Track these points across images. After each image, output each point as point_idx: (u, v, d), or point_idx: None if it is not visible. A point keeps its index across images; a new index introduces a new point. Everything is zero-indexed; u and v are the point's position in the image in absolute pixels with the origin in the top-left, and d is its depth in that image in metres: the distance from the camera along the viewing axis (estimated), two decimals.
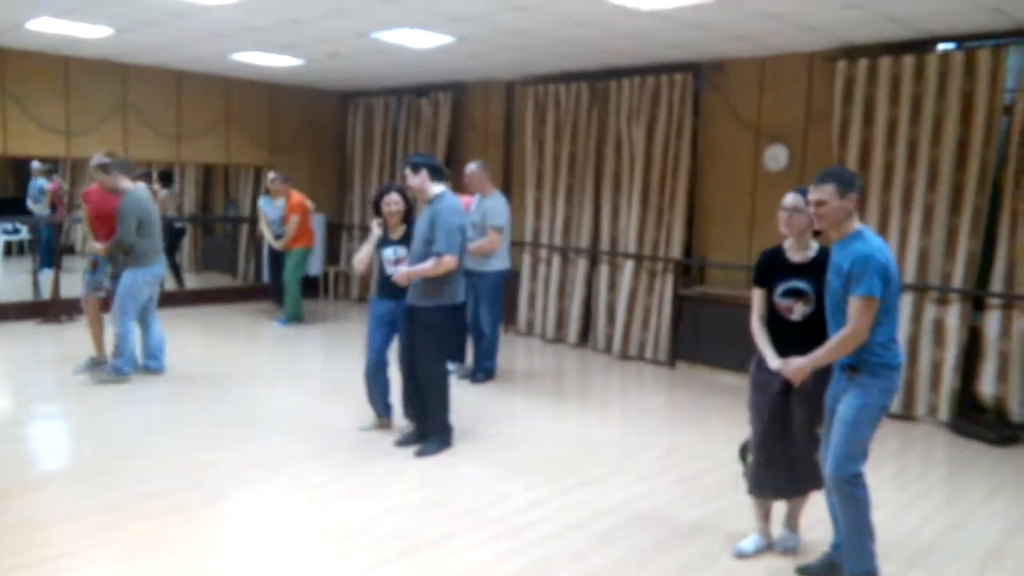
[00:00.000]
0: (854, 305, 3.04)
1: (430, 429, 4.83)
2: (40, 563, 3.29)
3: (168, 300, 9.32)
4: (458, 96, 9.25)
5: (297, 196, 8.53)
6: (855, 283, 3.04)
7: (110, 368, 6.10)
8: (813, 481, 3.48)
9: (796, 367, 3.24)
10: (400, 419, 5.10)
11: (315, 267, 10.18)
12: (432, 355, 4.76)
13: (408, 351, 4.82)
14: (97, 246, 6.15)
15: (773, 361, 3.36)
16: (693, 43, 6.42)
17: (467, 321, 5.94)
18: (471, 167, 6.54)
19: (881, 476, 4.77)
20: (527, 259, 8.51)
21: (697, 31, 5.97)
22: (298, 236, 8.53)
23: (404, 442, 4.86)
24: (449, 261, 4.57)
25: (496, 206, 6.38)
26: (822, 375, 3.31)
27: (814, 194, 3.13)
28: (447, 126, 9.27)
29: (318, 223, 9.90)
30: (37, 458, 4.74)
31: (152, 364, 6.31)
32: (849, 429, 3.14)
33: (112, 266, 6.17)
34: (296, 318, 8.67)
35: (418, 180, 4.73)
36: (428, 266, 4.60)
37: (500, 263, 6.47)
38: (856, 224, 3.15)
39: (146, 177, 6.26)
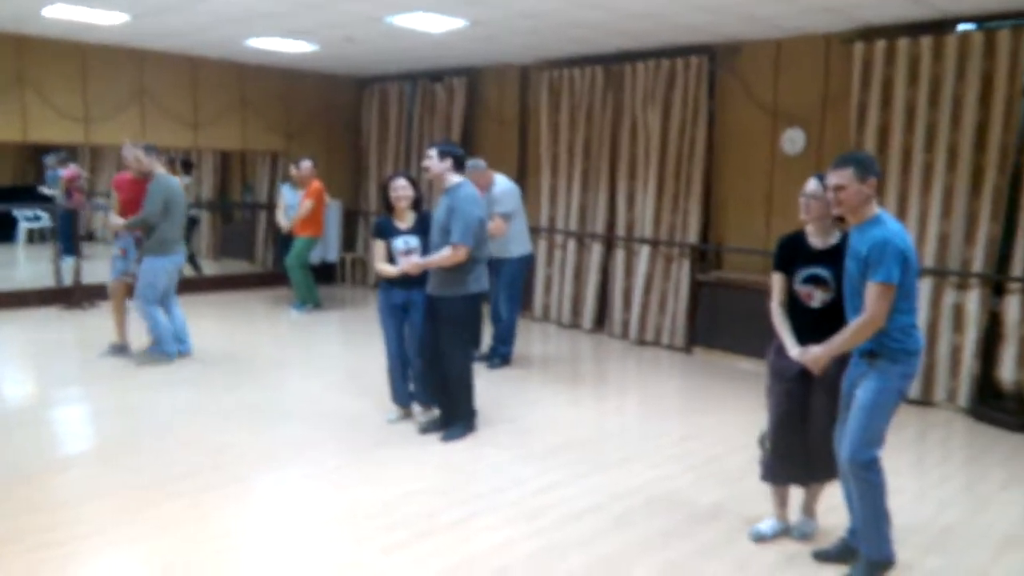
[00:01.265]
0: (871, 291, 3.02)
1: (455, 415, 4.86)
2: (68, 541, 3.37)
3: (187, 287, 9.39)
4: (472, 81, 9.23)
5: (318, 183, 8.54)
6: (873, 269, 3.01)
7: (156, 352, 6.22)
8: (829, 471, 3.46)
9: (815, 356, 3.23)
10: (415, 406, 5.15)
11: (332, 253, 10.23)
12: (456, 344, 4.77)
13: (430, 340, 4.82)
14: (117, 220, 6.22)
15: (793, 349, 3.34)
16: (708, 25, 6.36)
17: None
18: (472, 163, 6.11)
19: (900, 462, 4.76)
20: (543, 244, 8.51)
21: (711, 13, 5.92)
22: (307, 223, 8.51)
23: (428, 428, 4.90)
24: (462, 252, 4.57)
25: (501, 194, 6.30)
26: (843, 363, 3.30)
27: (832, 178, 3.10)
28: (462, 111, 9.25)
29: (334, 209, 9.94)
30: (63, 441, 4.83)
31: (180, 348, 6.42)
32: (867, 414, 3.13)
33: (140, 252, 6.26)
34: (311, 303, 8.71)
35: (441, 167, 4.70)
36: (442, 255, 4.60)
37: (520, 248, 6.46)
38: (875, 209, 3.11)
39: (170, 164, 6.32)
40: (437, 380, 4.86)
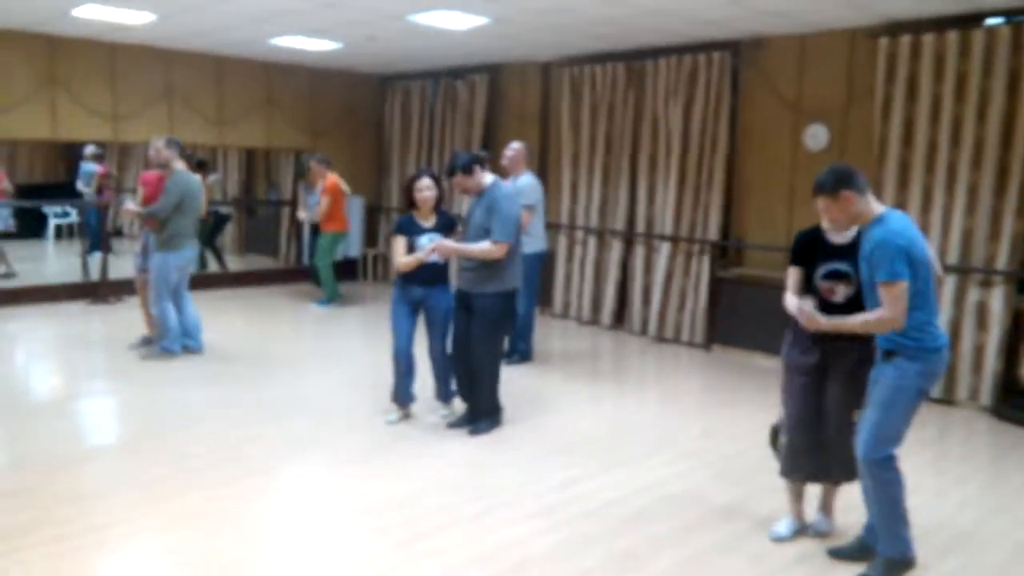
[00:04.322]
0: (881, 292, 3.02)
1: (481, 410, 4.91)
2: (89, 531, 3.44)
3: (212, 282, 9.57)
4: (494, 78, 9.25)
5: (332, 178, 8.62)
6: (876, 269, 3.02)
7: (157, 348, 6.31)
8: (844, 470, 3.44)
9: (813, 315, 3.17)
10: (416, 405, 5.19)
11: (354, 249, 10.32)
12: (488, 340, 4.81)
13: (463, 336, 4.85)
14: (130, 205, 6.38)
15: (792, 300, 3.32)
16: (729, 20, 6.33)
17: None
18: (517, 145, 6.45)
19: (920, 460, 4.73)
20: (563, 241, 8.52)
21: (733, 7, 5.89)
22: (330, 219, 8.58)
23: (456, 424, 4.94)
24: (503, 249, 4.62)
25: (526, 186, 6.36)
26: (860, 357, 3.30)
27: (817, 205, 3.19)
28: (483, 108, 9.29)
29: (356, 206, 10.01)
30: (86, 433, 4.94)
31: (190, 343, 6.48)
32: (881, 410, 3.12)
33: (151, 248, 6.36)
34: (334, 299, 8.81)
35: (476, 178, 4.74)
36: (481, 247, 4.64)
37: (535, 244, 6.49)
38: (876, 209, 3.12)
39: (185, 163, 6.41)
40: (466, 375, 4.90)
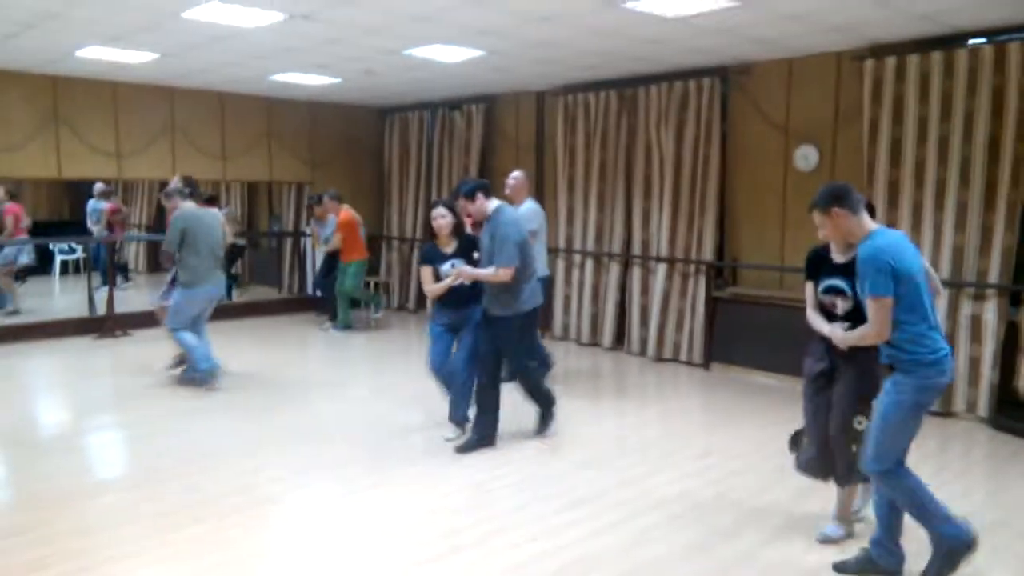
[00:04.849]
0: (867, 307, 3.15)
1: (546, 412, 5.33)
2: (100, 564, 3.48)
3: (219, 313, 9.62)
4: (490, 108, 9.42)
5: (345, 212, 8.87)
6: (861, 284, 3.15)
7: (194, 374, 6.40)
8: (844, 472, 3.57)
9: (834, 332, 3.45)
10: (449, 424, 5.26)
11: None
12: (512, 354, 5.06)
13: (485, 354, 5.04)
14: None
15: (825, 327, 3.53)
16: (719, 48, 6.49)
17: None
18: (518, 174, 6.60)
19: (921, 473, 4.74)
20: (561, 264, 8.63)
21: (722, 36, 6.04)
22: (351, 249, 8.86)
23: (465, 448, 5.00)
24: (506, 274, 4.80)
25: (528, 212, 6.46)
26: (864, 367, 3.44)
27: (815, 221, 3.37)
28: (480, 138, 9.45)
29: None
30: (97, 466, 5.00)
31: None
32: (878, 427, 3.21)
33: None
34: (349, 326, 9.05)
35: (477, 204, 4.93)
36: (488, 271, 4.87)
37: (537, 270, 6.57)
38: (869, 227, 3.25)
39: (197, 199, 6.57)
40: (488, 395, 5.06)
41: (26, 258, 9.89)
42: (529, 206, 6.50)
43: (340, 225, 8.82)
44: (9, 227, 9.63)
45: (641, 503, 4.23)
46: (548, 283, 7.01)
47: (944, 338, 3.26)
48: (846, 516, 3.75)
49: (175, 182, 6.52)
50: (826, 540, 3.70)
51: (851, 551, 3.54)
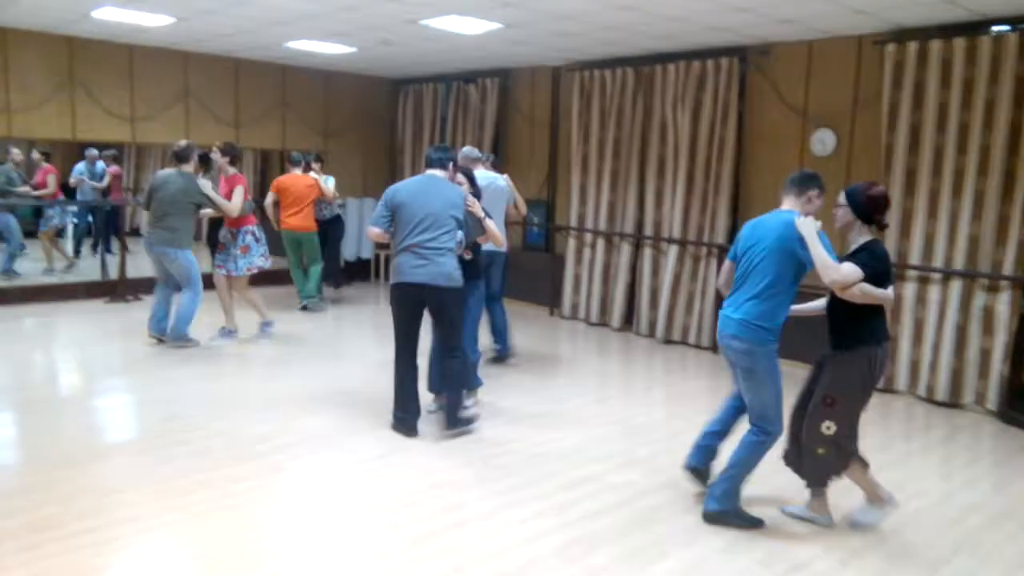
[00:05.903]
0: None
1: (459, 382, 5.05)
2: (108, 526, 3.52)
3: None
4: (505, 82, 9.35)
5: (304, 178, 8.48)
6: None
7: (263, 330, 7.17)
8: (809, 474, 3.73)
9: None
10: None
11: (366, 251, 10.42)
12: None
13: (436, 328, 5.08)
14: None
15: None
16: (738, 26, 6.40)
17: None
18: (472, 152, 6.40)
19: (928, 464, 4.81)
20: (572, 243, 8.60)
21: (741, 14, 5.96)
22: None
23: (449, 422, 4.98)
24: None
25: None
26: (841, 363, 3.56)
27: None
28: (494, 112, 9.38)
29: (369, 207, 10.12)
30: (106, 429, 5.04)
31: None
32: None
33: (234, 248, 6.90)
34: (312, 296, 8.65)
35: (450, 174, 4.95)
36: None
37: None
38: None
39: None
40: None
41: (57, 220, 10.13)
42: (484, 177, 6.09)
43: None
44: (52, 186, 9.72)
45: (646, 483, 4.25)
46: (508, 260, 6.68)
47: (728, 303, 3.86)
48: (875, 496, 3.75)
49: (182, 145, 6.70)
50: (857, 526, 3.74)
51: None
